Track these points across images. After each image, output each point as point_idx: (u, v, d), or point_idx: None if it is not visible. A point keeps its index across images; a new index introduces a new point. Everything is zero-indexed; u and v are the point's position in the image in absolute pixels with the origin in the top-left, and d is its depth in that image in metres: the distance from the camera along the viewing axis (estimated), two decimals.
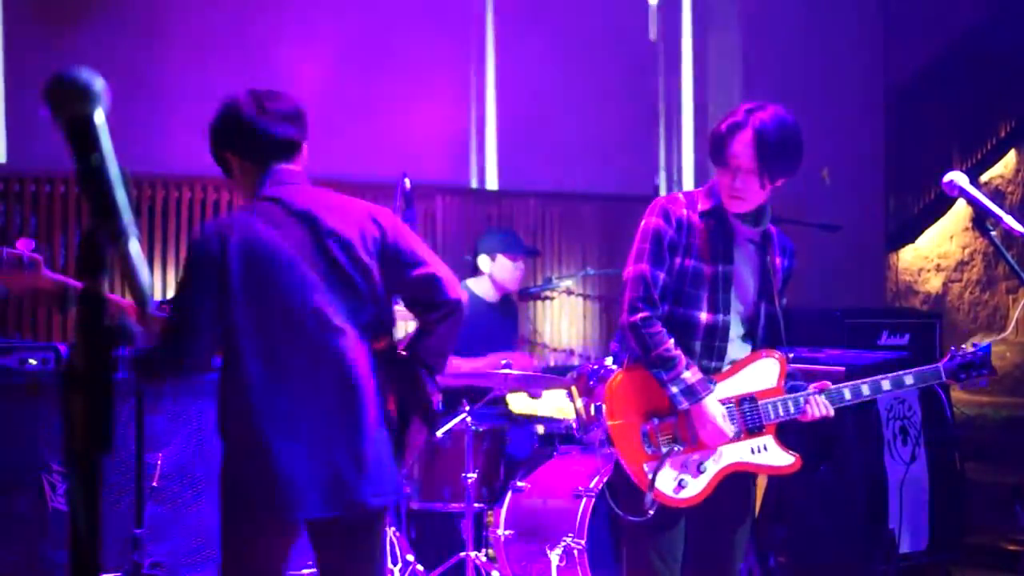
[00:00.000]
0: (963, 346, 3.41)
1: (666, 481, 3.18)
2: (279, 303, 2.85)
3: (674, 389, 3.15)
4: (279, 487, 2.82)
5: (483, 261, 5.59)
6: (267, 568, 2.96)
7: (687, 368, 3.16)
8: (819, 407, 3.25)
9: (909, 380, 3.36)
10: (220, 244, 2.83)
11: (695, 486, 3.21)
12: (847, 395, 3.29)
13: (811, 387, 3.29)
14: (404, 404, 3.02)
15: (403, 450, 3.03)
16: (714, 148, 3.21)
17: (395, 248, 2.95)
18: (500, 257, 5.53)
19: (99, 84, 1.14)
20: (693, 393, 3.15)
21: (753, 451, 3.27)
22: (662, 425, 3.21)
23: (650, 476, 3.16)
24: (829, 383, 3.32)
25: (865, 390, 3.31)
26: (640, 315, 3.17)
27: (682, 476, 3.20)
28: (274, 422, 2.83)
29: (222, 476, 2.95)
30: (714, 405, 3.18)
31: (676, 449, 3.19)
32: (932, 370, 3.37)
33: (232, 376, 2.87)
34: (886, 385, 3.33)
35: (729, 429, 3.19)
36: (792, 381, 3.33)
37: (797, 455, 3.31)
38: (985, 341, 3.44)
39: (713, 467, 3.23)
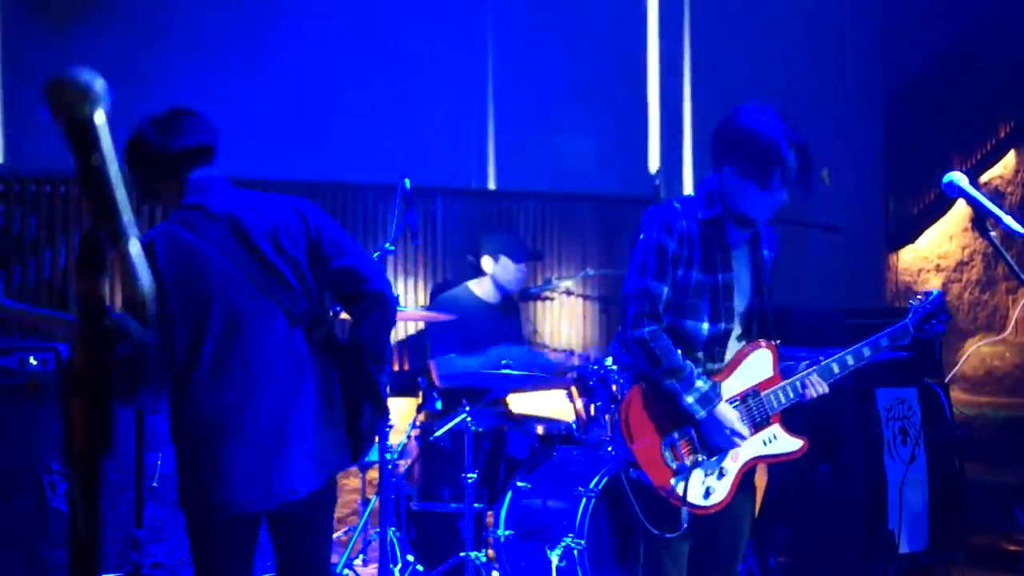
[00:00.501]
0: (919, 298, 3.48)
1: (695, 492, 3.21)
2: (209, 305, 2.91)
3: (689, 399, 3.17)
4: (222, 486, 2.90)
5: (486, 262, 5.59)
6: (237, 567, 3.04)
7: (698, 377, 3.18)
8: (816, 386, 3.31)
9: (884, 342, 3.40)
10: (148, 258, 2.87)
11: (721, 490, 3.24)
12: (835, 368, 3.35)
13: (801, 365, 3.34)
14: (352, 392, 3.08)
15: (359, 437, 3.11)
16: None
17: (318, 239, 3.02)
18: (503, 259, 5.53)
19: (99, 84, 1.14)
20: (708, 400, 3.18)
21: (765, 443, 3.32)
22: (682, 438, 3.23)
23: (681, 492, 3.18)
24: (820, 358, 3.37)
25: (849, 360, 3.37)
26: (647, 329, 3.18)
27: (708, 484, 3.23)
28: (217, 423, 2.90)
29: (179, 482, 3.01)
30: (728, 409, 3.22)
31: (700, 459, 3.22)
32: (901, 328, 3.43)
33: (176, 383, 2.93)
34: (866, 352, 3.39)
35: (745, 431, 3.22)
36: (783, 362, 3.37)
37: (804, 437, 3.36)
38: (937, 289, 3.57)
39: (733, 467, 3.27)
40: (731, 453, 3.25)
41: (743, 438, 3.23)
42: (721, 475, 3.25)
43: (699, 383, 3.17)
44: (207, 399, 2.90)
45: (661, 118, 7.29)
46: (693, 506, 3.20)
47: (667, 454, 3.21)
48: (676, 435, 3.22)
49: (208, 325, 2.90)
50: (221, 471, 2.90)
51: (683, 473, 3.20)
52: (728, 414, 3.20)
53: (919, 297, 3.49)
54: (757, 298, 3.35)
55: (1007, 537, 5.73)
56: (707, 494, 3.22)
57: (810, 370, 3.31)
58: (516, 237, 5.74)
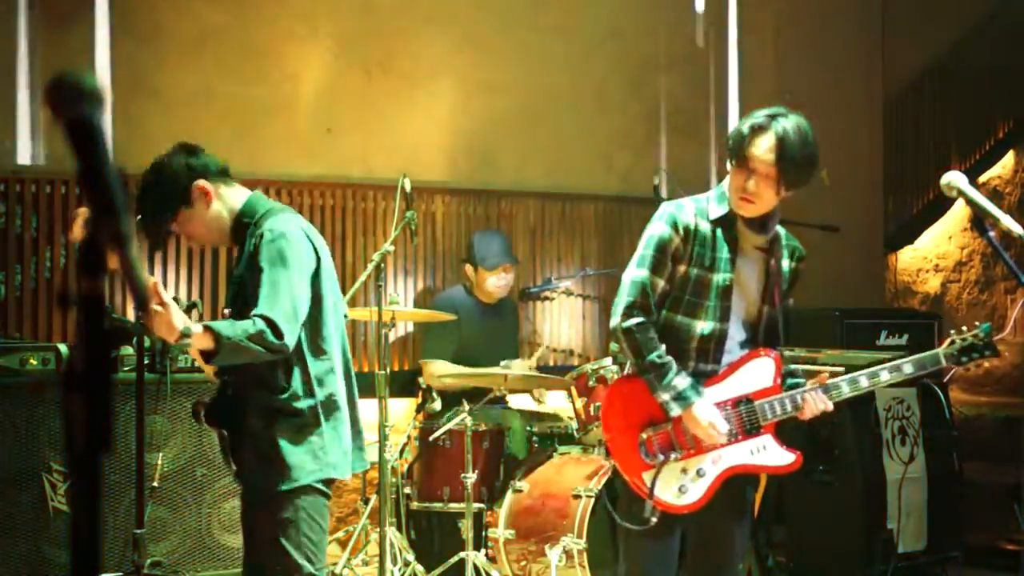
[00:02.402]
0: (963, 329, 3.34)
1: (666, 488, 3.18)
2: (333, 297, 3.22)
3: (665, 396, 3.15)
4: (343, 452, 3.22)
5: (468, 270, 5.71)
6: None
7: (677, 374, 3.16)
8: (816, 403, 3.21)
9: (908, 368, 3.27)
10: (311, 242, 3.16)
11: (695, 491, 3.20)
12: (846, 388, 3.24)
13: (809, 383, 3.27)
14: None
15: None
16: (734, 146, 3.16)
17: None
18: (480, 269, 5.63)
19: (99, 85, 1.14)
20: (683, 398, 3.15)
21: (752, 452, 3.26)
22: (658, 433, 3.21)
23: (648, 485, 3.16)
24: (827, 377, 3.28)
25: (864, 382, 3.25)
26: (635, 320, 3.18)
27: (682, 482, 3.20)
28: (341, 396, 3.23)
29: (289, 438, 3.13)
30: (705, 408, 3.16)
31: (673, 457, 3.19)
32: (931, 356, 3.30)
33: (319, 356, 3.16)
34: (885, 376, 3.26)
35: (723, 430, 3.18)
36: (792, 378, 3.32)
37: (798, 453, 3.29)
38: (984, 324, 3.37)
39: (713, 471, 3.22)
40: (711, 455, 3.21)
41: (722, 439, 3.20)
42: (699, 477, 3.21)
43: (676, 380, 3.15)
44: (335, 373, 3.20)
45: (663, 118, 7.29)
46: (663, 501, 3.17)
47: (641, 447, 3.20)
48: (652, 429, 3.20)
49: (335, 313, 3.22)
50: (346, 443, 3.21)
51: (655, 467, 3.19)
52: (706, 412, 3.15)
53: (963, 328, 3.34)
54: (767, 306, 3.32)
55: (1007, 537, 5.73)
56: (680, 492, 3.20)
57: (814, 387, 3.24)
58: (493, 244, 5.72)
